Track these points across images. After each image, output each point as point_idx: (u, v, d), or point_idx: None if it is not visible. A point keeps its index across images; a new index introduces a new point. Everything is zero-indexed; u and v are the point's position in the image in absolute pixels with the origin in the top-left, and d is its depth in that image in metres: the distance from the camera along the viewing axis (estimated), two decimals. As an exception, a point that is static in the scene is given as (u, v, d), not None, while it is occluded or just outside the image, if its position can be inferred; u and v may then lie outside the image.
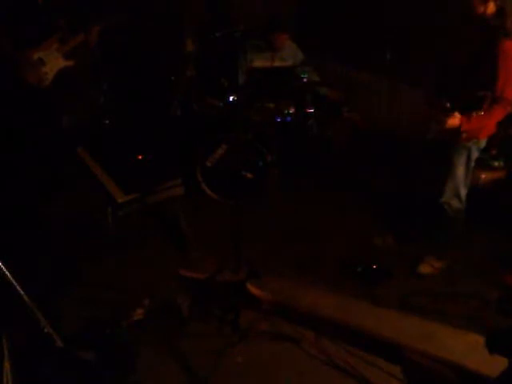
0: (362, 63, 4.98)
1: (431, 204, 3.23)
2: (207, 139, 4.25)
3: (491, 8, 2.81)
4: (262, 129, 4.36)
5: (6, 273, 2.16)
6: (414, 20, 4.58)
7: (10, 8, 3.61)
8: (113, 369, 2.52)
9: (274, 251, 3.49)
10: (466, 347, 2.56)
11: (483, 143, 3.08)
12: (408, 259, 3.40)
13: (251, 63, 4.69)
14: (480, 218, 3.47)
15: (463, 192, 3.15)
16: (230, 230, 3.04)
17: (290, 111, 4.43)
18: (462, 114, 2.77)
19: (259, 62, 4.70)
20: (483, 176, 3.72)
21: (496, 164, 3.81)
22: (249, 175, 4.10)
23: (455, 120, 2.75)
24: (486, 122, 2.89)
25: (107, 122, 4.41)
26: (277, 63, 4.70)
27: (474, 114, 2.68)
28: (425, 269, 3.31)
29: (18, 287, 2.18)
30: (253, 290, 3.00)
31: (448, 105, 2.74)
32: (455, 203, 3.16)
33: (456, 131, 2.86)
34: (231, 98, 4.37)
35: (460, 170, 3.09)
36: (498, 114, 2.85)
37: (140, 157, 3.59)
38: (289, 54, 4.76)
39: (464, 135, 2.91)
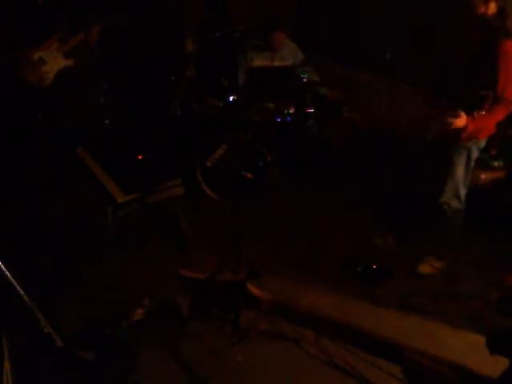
0: (362, 63, 4.98)
1: (431, 204, 3.23)
2: (207, 139, 4.25)
3: (492, 8, 2.81)
4: (262, 129, 4.36)
5: (6, 273, 2.16)
6: (414, 20, 4.59)
7: (10, 8, 3.61)
8: (113, 369, 2.52)
9: (274, 251, 3.49)
10: (466, 347, 2.56)
11: (483, 143, 3.08)
12: (408, 259, 3.39)
13: (251, 63, 4.70)
14: (480, 218, 3.47)
15: (463, 192, 3.15)
16: (230, 230, 3.04)
17: (290, 111, 4.44)
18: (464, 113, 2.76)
19: (259, 62, 4.70)
20: (483, 176, 3.72)
21: (496, 164, 3.81)
22: (249, 175, 4.10)
23: (462, 120, 2.75)
24: (489, 122, 2.89)
25: (107, 122, 4.41)
26: (276, 63, 4.70)
27: (476, 114, 2.68)
28: (425, 269, 3.31)
29: (17, 287, 2.18)
30: (253, 289, 3.00)
31: (453, 105, 2.74)
32: (455, 203, 3.16)
33: (456, 131, 2.86)
34: (231, 98, 4.38)
35: (460, 170, 3.08)
36: (501, 113, 2.85)
37: (140, 157, 3.59)
38: (289, 54, 4.76)
39: (464, 135, 2.91)
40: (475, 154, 3.08)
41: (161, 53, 4.97)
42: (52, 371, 2.33)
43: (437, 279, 3.25)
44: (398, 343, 2.62)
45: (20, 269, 2.22)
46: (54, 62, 3.71)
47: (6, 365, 2.04)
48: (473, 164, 3.12)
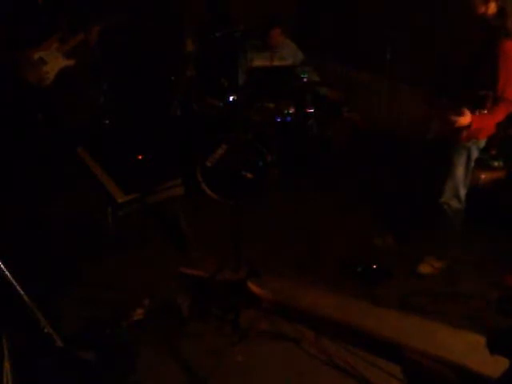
0: (362, 63, 4.98)
1: (431, 204, 3.23)
2: (207, 139, 4.25)
3: (492, 8, 2.81)
4: (262, 129, 4.36)
5: (6, 273, 2.16)
6: (414, 20, 4.59)
7: (10, 8, 3.61)
8: (113, 369, 2.52)
9: (274, 251, 3.49)
10: (466, 347, 2.56)
11: (483, 143, 3.08)
12: (408, 259, 3.39)
13: (251, 63, 4.70)
14: (480, 218, 3.47)
15: (463, 192, 3.15)
16: (230, 230, 3.04)
17: (290, 111, 4.44)
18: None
19: (259, 62, 4.70)
20: (483, 176, 3.72)
21: (496, 164, 3.81)
22: (249, 175, 4.11)
23: (466, 118, 2.74)
24: (490, 122, 2.89)
25: (107, 122, 4.41)
26: (276, 62, 4.70)
27: (478, 113, 2.68)
28: (425, 269, 3.31)
29: (17, 287, 2.18)
30: (253, 288, 3.00)
31: (453, 105, 2.73)
32: (455, 203, 3.16)
33: (459, 130, 2.86)
34: (231, 98, 4.38)
35: (460, 170, 3.08)
36: (502, 112, 2.84)
37: (140, 157, 3.59)
38: (288, 53, 4.76)
39: (464, 135, 2.91)
40: (475, 154, 3.08)
41: (161, 53, 4.97)
42: (52, 371, 2.33)
43: (437, 279, 3.25)
44: (398, 343, 2.62)
45: (20, 269, 2.22)
46: (54, 62, 3.71)
47: (6, 365, 2.04)
48: (473, 164, 3.12)
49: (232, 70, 4.70)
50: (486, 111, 2.67)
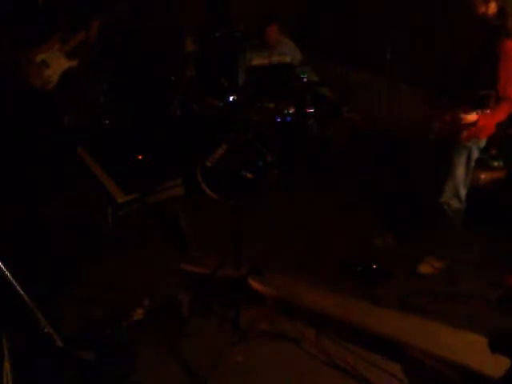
0: (362, 63, 4.98)
1: (431, 204, 3.23)
2: (207, 139, 4.25)
3: (492, 8, 2.81)
4: (262, 129, 4.36)
5: (6, 273, 2.16)
6: (414, 20, 4.59)
7: (10, 8, 3.61)
8: (113, 369, 2.52)
9: (274, 251, 3.49)
10: (466, 347, 2.55)
11: (483, 143, 3.08)
12: (408, 259, 3.39)
13: (249, 62, 4.70)
14: (480, 217, 3.47)
15: (463, 192, 3.15)
16: (230, 230, 3.03)
17: (290, 111, 4.44)
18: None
19: (257, 61, 4.70)
20: (483, 176, 3.72)
21: (496, 164, 3.81)
22: (249, 175, 4.10)
23: (473, 116, 2.74)
24: (493, 120, 2.89)
25: (107, 122, 4.42)
26: (275, 59, 4.69)
27: (480, 113, 2.68)
28: (425, 269, 3.31)
29: (18, 287, 2.18)
30: (255, 285, 3.00)
31: (453, 105, 2.74)
32: (455, 203, 3.16)
33: (457, 130, 2.86)
34: (231, 98, 4.38)
35: (460, 170, 3.08)
36: (504, 111, 2.85)
37: (140, 157, 3.59)
38: (287, 51, 4.76)
39: (465, 135, 2.91)
40: (475, 153, 3.08)
41: (161, 53, 4.97)
42: (52, 371, 2.33)
43: (437, 279, 3.25)
44: (399, 341, 2.63)
45: (20, 269, 2.22)
46: (56, 65, 3.72)
47: (6, 365, 2.04)
48: (473, 164, 3.12)
49: (232, 69, 4.70)
50: (488, 111, 2.67)
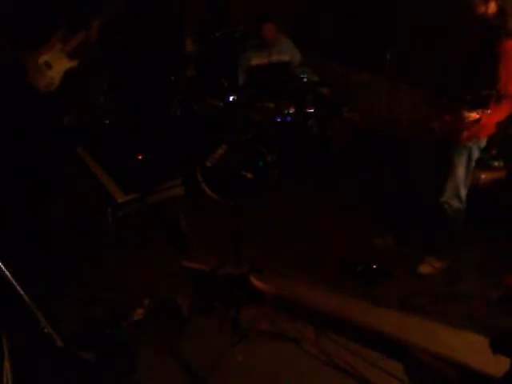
0: (362, 63, 4.98)
1: (431, 204, 3.23)
2: (207, 139, 4.25)
3: (492, 8, 2.81)
4: (262, 129, 4.36)
5: (6, 273, 2.16)
6: (414, 20, 4.59)
7: (10, 8, 3.61)
8: (113, 369, 2.52)
9: (274, 251, 3.49)
10: (466, 347, 2.56)
11: (483, 143, 3.08)
12: (408, 259, 3.39)
13: (249, 62, 4.70)
14: (480, 217, 3.47)
15: (463, 192, 3.15)
16: (230, 230, 3.04)
17: (290, 111, 4.44)
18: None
19: (256, 60, 4.70)
20: (483, 176, 3.71)
21: (496, 164, 3.81)
22: (249, 175, 4.11)
23: (476, 114, 2.74)
24: (495, 118, 2.89)
25: (107, 121, 4.42)
26: (274, 57, 4.69)
27: (481, 113, 2.68)
28: (425, 269, 3.31)
29: (18, 287, 2.18)
30: (256, 282, 3.00)
31: (453, 105, 2.73)
32: (455, 203, 3.16)
33: (458, 130, 2.86)
34: (231, 98, 4.38)
35: (460, 170, 3.08)
36: (505, 110, 2.85)
37: (140, 157, 3.59)
38: (285, 49, 4.75)
39: (465, 135, 2.91)
40: (476, 153, 3.08)
41: (161, 53, 4.97)
42: (52, 371, 2.33)
43: (437, 279, 3.25)
44: (400, 339, 2.63)
45: (20, 269, 2.22)
46: (59, 65, 3.73)
47: (6, 365, 2.04)
48: (473, 164, 3.12)
49: (232, 69, 4.70)
50: (489, 111, 2.67)
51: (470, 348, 2.53)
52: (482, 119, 2.75)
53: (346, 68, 5.31)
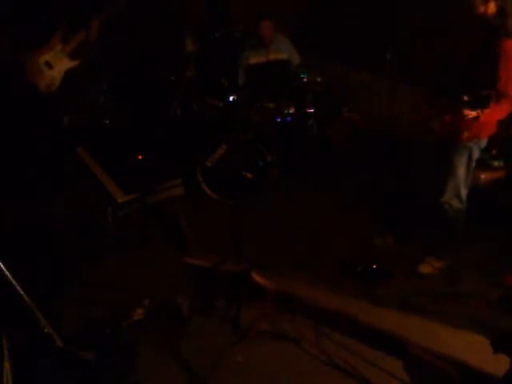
0: (362, 63, 4.98)
1: (431, 204, 3.23)
2: (207, 139, 4.25)
3: (492, 8, 2.81)
4: (262, 129, 4.36)
5: (6, 273, 2.16)
6: (414, 20, 4.59)
7: (10, 8, 3.61)
8: (113, 369, 2.52)
9: (274, 251, 3.49)
10: (466, 347, 2.55)
11: (484, 143, 3.08)
12: (408, 259, 3.39)
13: (247, 61, 4.70)
14: (480, 217, 3.47)
15: (464, 192, 3.15)
16: (230, 230, 3.04)
17: (290, 111, 4.44)
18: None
19: (255, 59, 4.70)
20: (483, 176, 3.71)
21: (496, 164, 3.81)
22: (249, 175, 4.10)
23: (474, 112, 2.73)
24: (495, 117, 2.89)
25: (107, 121, 4.42)
26: (272, 56, 4.69)
27: (481, 113, 2.68)
28: (425, 269, 3.31)
29: (18, 287, 2.18)
30: (257, 278, 3.00)
31: (466, 98, 2.72)
32: (456, 203, 3.16)
33: (456, 130, 2.86)
34: (231, 98, 4.38)
35: (461, 170, 3.08)
36: (505, 109, 2.84)
37: (140, 157, 3.59)
38: (283, 47, 4.75)
39: (466, 135, 2.91)
40: (476, 153, 3.08)
41: (161, 53, 4.98)
42: (52, 371, 2.33)
43: (437, 279, 3.25)
44: (401, 337, 2.63)
45: (20, 269, 2.22)
46: (59, 65, 3.73)
47: (6, 365, 2.04)
48: (474, 164, 3.12)
49: (232, 69, 4.71)
50: (487, 110, 2.67)
51: (470, 348, 2.53)
52: (481, 118, 2.74)
53: (345, 68, 5.31)
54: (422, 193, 3.56)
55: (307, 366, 2.62)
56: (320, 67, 4.85)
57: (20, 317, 2.24)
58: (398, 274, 3.29)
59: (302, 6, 5.70)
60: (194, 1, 5.34)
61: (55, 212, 3.78)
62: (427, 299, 3.02)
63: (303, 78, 4.50)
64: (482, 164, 3.66)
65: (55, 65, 3.72)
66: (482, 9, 2.82)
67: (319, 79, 4.60)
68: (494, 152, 3.79)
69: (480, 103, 2.63)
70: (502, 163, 3.80)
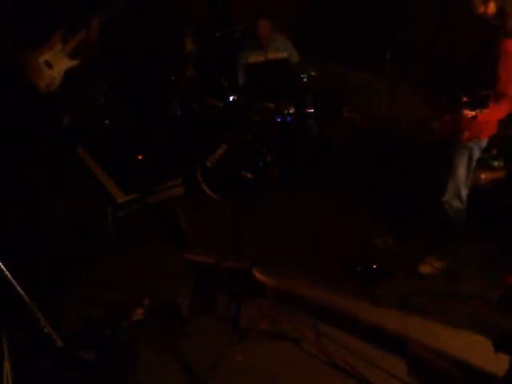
0: (362, 63, 4.98)
1: (431, 204, 3.23)
2: (207, 139, 4.25)
3: (492, 8, 2.81)
4: (262, 129, 4.36)
5: (6, 273, 2.16)
6: (414, 20, 4.59)
7: (10, 8, 3.61)
8: (113, 369, 2.52)
9: (274, 251, 3.49)
10: (466, 346, 2.56)
11: (484, 143, 3.08)
12: (408, 259, 3.39)
13: (246, 60, 4.70)
14: (480, 217, 3.47)
15: (464, 192, 3.15)
16: (230, 230, 3.04)
17: (290, 111, 4.44)
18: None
19: (253, 58, 4.70)
20: (483, 176, 3.71)
21: (496, 164, 3.81)
22: (249, 175, 4.10)
23: (473, 112, 2.73)
24: (494, 116, 2.89)
25: (107, 121, 4.42)
26: (271, 55, 4.69)
27: (480, 113, 2.68)
28: (425, 269, 3.31)
29: (18, 287, 2.18)
30: (258, 275, 3.01)
31: (465, 98, 2.72)
32: (456, 203, 3.16)
33: (457, 130, 2.86)
34: (231, 98, 4.38)
35: (461, 170, 3.08)
36: (504, 109, 2.84)
37: (140, 157, 3.59)
38: (281, 46, 4.75)
39: (466, 135, 2.91)
40: (477, 153, 3.08)
41: (161, 53, 4.98)
42: (52, 371, 2.33)
43: (437, 279, 3.25)
44: (402, 335, 2.63)
45: (20, 269, 2.22)
46: (59, 65, 3.73)
47: (6, 365, 2.04)
48: (474, 164, 3.12)
49: (232, 69, 4.70)
50: (486, 110, 2.67)
51: (470, 347, 2.53)
52: (479, 117, 2.74)
53: (346, 68, 5.31)
54: (422, 193, 3.56)
55: (307, 365, 2.62)
56: (320, 67, 4.85)
57: (20, 317, 2.24)
58: (398, 274, 3.29)
59: (302, 6, 5.70)
60: (194, 1, 5.34)
61: (55, 212, 3.78)
62: (427, 299, 3.02)
63: (303, 78, 4.50)
64: (482, 164, 3.66)
65: (55, 64, 3.72)
66: (481, 9, 2.82)
67: (313, 73, 4.58)
68: (494, 152, 3.79)
69: (479, 103, 2.63)
70: (502, 163, 3.80)
